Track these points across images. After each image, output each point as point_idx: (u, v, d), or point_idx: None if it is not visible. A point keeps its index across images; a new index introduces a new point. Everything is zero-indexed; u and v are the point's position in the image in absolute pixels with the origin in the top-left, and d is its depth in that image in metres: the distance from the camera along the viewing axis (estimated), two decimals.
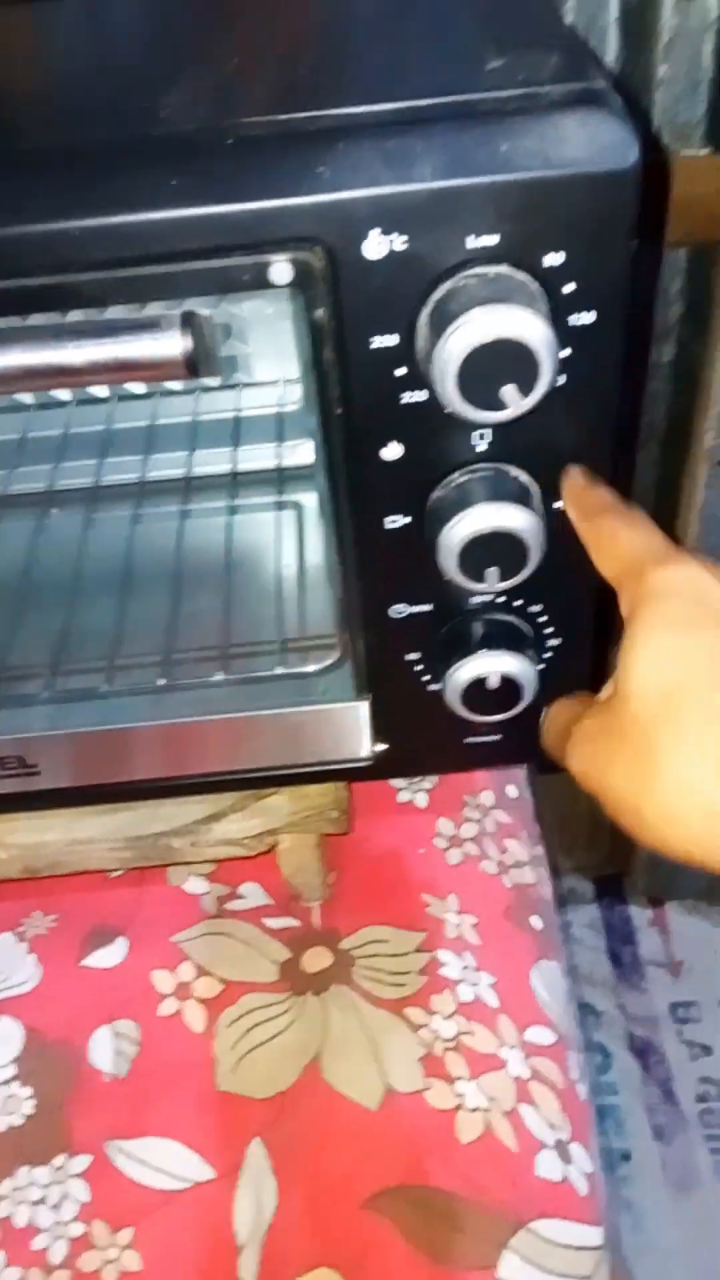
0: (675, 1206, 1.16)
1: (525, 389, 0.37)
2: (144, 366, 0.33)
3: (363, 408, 0.41)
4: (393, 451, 0.42)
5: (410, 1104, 0.52)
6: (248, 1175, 0.51)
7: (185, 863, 0.61)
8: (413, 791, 0.68)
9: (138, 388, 0.68)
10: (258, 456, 0.70)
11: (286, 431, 0.71)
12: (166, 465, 0.70)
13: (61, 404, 0.70)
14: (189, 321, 0.32)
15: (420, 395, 0.40)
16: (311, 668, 0.54)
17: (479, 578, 0.43)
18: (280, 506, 0.67)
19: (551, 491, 0.44)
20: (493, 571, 0.43)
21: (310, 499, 0.68)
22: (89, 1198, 0.51)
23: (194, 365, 0.33)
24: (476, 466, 0.43)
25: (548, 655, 0.50)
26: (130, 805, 0.59)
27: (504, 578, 0.43)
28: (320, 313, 0.38)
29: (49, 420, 0.70)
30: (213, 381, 0.69)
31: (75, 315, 0.34)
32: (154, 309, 0.34)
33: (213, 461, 0.69)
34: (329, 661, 0.54)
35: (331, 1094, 0.53)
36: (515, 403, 0.37)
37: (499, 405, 0.37)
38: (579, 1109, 0.56)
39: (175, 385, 0.69)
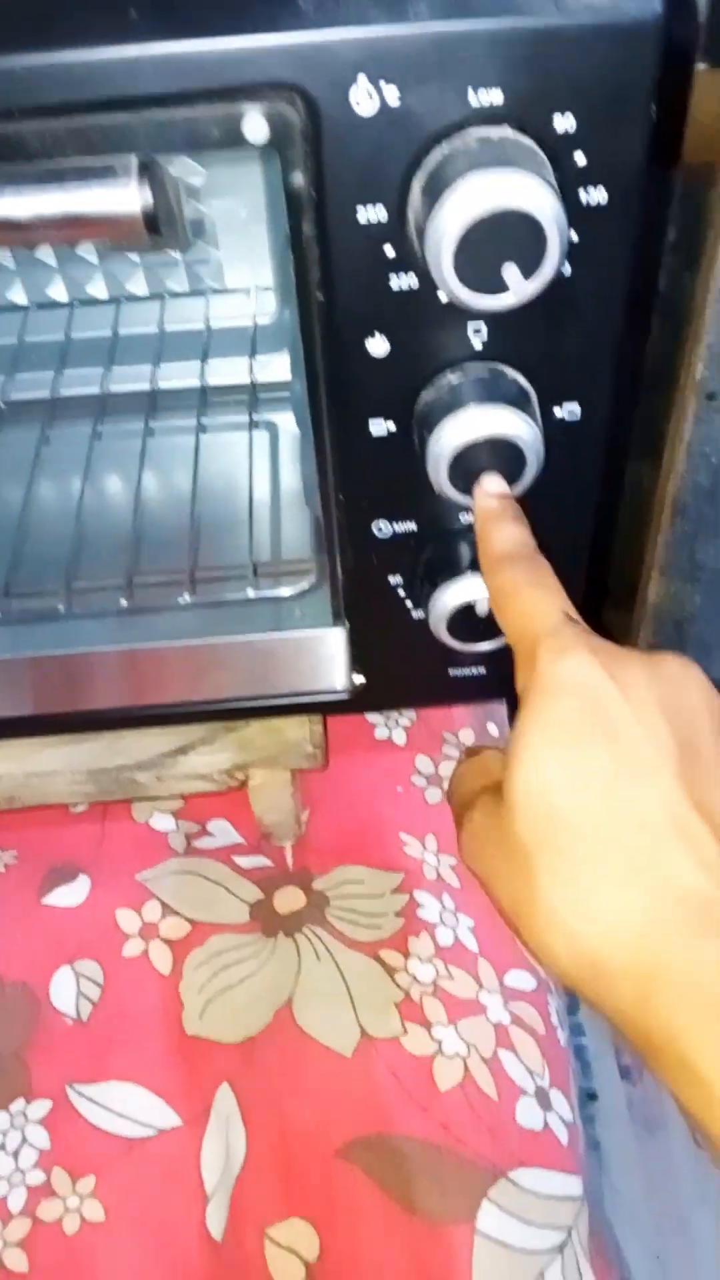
0: (641, 1146, 1.17)
1: (528, 270, 0.33)
2: (95, 223, 0.29)
3: (346, 293, 0.37)
4: (379, 346, 0.38)
5: (386, 1050, 0.50)
6: (215, 1122, 0.49)
7: (150, 798, 0.58)
8: (390, 727, 0.65)
9: (91, 260, 0.62)
10: (228, 371, 0.65)
11: (259, 346, 0.66)
12: (131, 379, 0.65)
13: (16, 308, 0.65)
14: (148, 171, 0.28)
15: (410, 280, 0.36)
16: (285, 592, 0.51)
17: (470, 491, 0.40)
18: (253, 426, 0.63)
19: (552, 398, 0.40)
20: (490, 477, 0.39)
21: (285, 419, 0.64)
22: (48, 1144, 0.49)
23: (154, 223, 0.29)
24: (471, 366, 0.39)
25: None
26: (92, 736, 0.56)
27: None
28: (299, 178, 0.34)
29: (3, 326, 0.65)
30: (179, 285, 0.65)
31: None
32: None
33: (180, 376, 0.65)
34: (304, 586, 0.50)
35: (304, 1038, 0.51)
36: (518, 286, 0.33)
37: (498, 288, 0.33)
38: (559, 1055, 0.54)
39: (137, 286, 0.64)
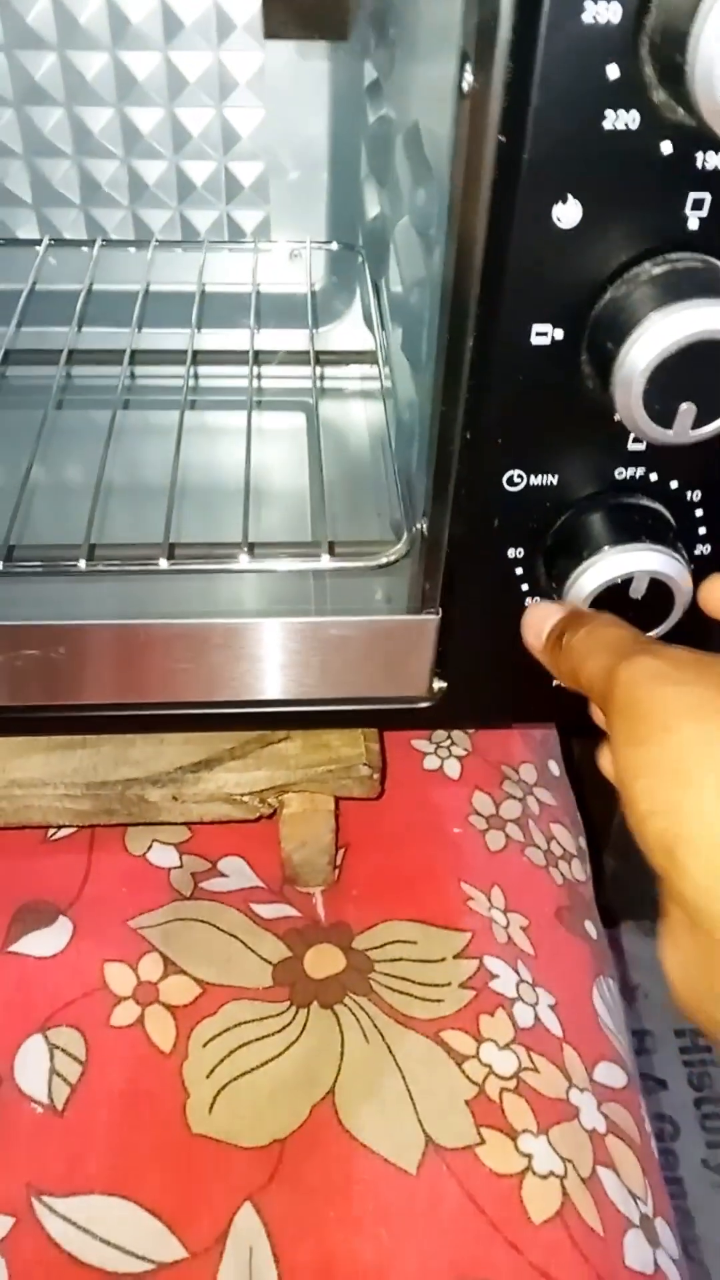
0: None
1: None
2: None
3: (542, 130, 0.27)
4: (569, 212, 0.29)
5: (460, 1165, 0.39)
6: (233, 1257, 0.36)
7: (161, 823, 0.46)
8: (441, 757, 0.54)
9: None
10: (282, 340, 0.56)
11: (319, 314, 0.58)
12: (171, 340, 0.55)
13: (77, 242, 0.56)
14: None
15: (631, 118, 0.27)
16: (364, 563, 0.40)
17: (666, 419, 0.30)
18: (319, 396, 0.53)
19: None
20: (687, 411, 0.30)
21: (328, 406, 0.55)
22: (5, 1276, 0.36)
23: None
24: (679, 256, 0.29)
25: (692, 568, 0.37)
26: (93, 741, 0.44)
27: (700, 422, 0.30)
28: None
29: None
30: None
31: None
32: None
33: (227, 340, 0.56)
34: (390, 557, 0.40)
35: (351, 1145, 0.39)
36: None
37: None
38: (656, 1172, 0.43)
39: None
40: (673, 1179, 1.11)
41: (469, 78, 0.27)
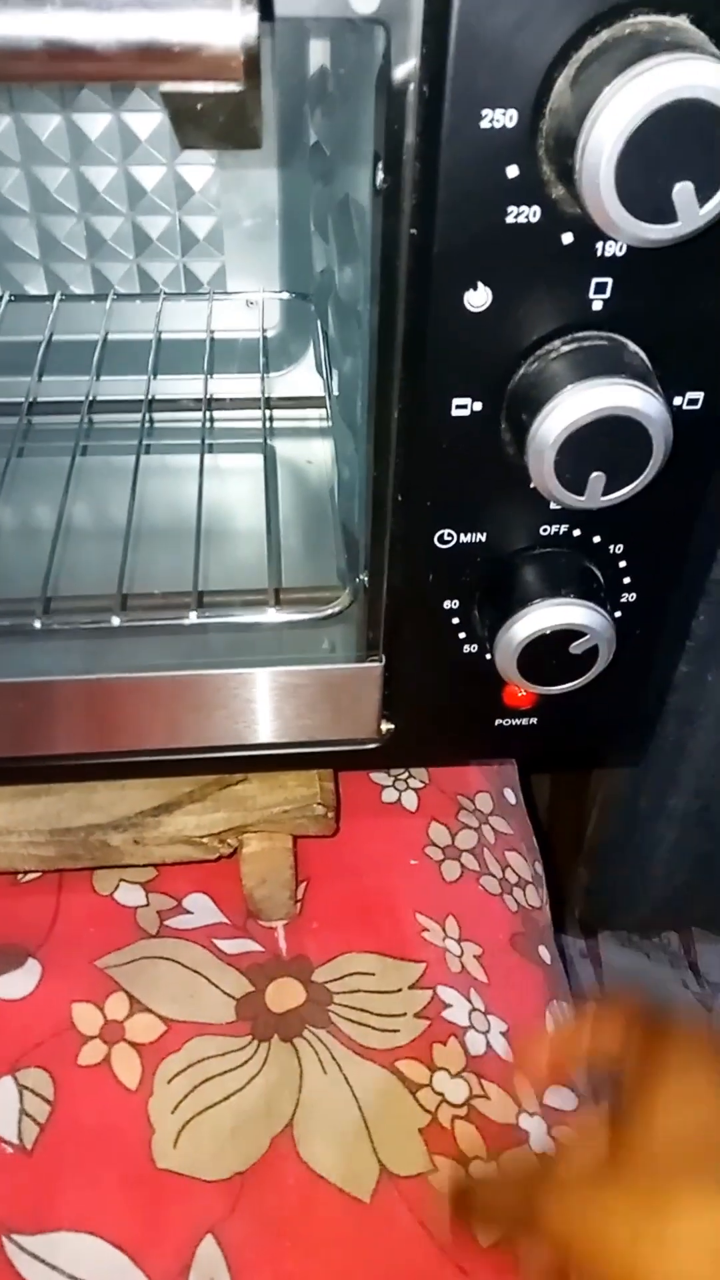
0: None
1: (706, 194, 0.26)
2: (185, 56, 0.20)
3: (450, 226, 0.29)
4: (479, 298, 0.30)
5: (412, 1192, 0.40)
6: None
7: (123, 865, 0.48)
8: (399, 790, 0.56)
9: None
10: (235, 387, 0.58)
11: (271, 360, 0.59)
12: (129, 389, 0.57)
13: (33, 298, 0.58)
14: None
15: (531, 212, 0.29)
16: (309, 615, 0.42)
17: (578, 487, 0.32)
18: (269, 437, 0.55)
19: (675, 383, 0.33)
20: (597, 479, 0.32)
21: (284, 445, 0.57)
22: None
23: (254, 65, 0.21)
24: (585, 335, 0.31)
25: (618, 615, 0.39)
26: (57, 788, 0.46)
27: (610, 489, 0.32)
28: (408, 69, 0.26)
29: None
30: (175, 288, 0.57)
31: None
32: None
33: (183, 388, 0.57)
34: (334, 610, 0.42)
35: (309, 1177, 0.41)
36: (688, 211, 0.26)
37: (665, 216, 0.26)
38: None
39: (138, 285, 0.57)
40: None
41: (380, 175, 0.29)
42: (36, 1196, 0.40)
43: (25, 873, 0.50)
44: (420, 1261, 0.38)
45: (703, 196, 0.26)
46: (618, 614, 0.39)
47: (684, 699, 0.50)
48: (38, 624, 0.39)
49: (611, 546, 0.37)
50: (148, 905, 0.50)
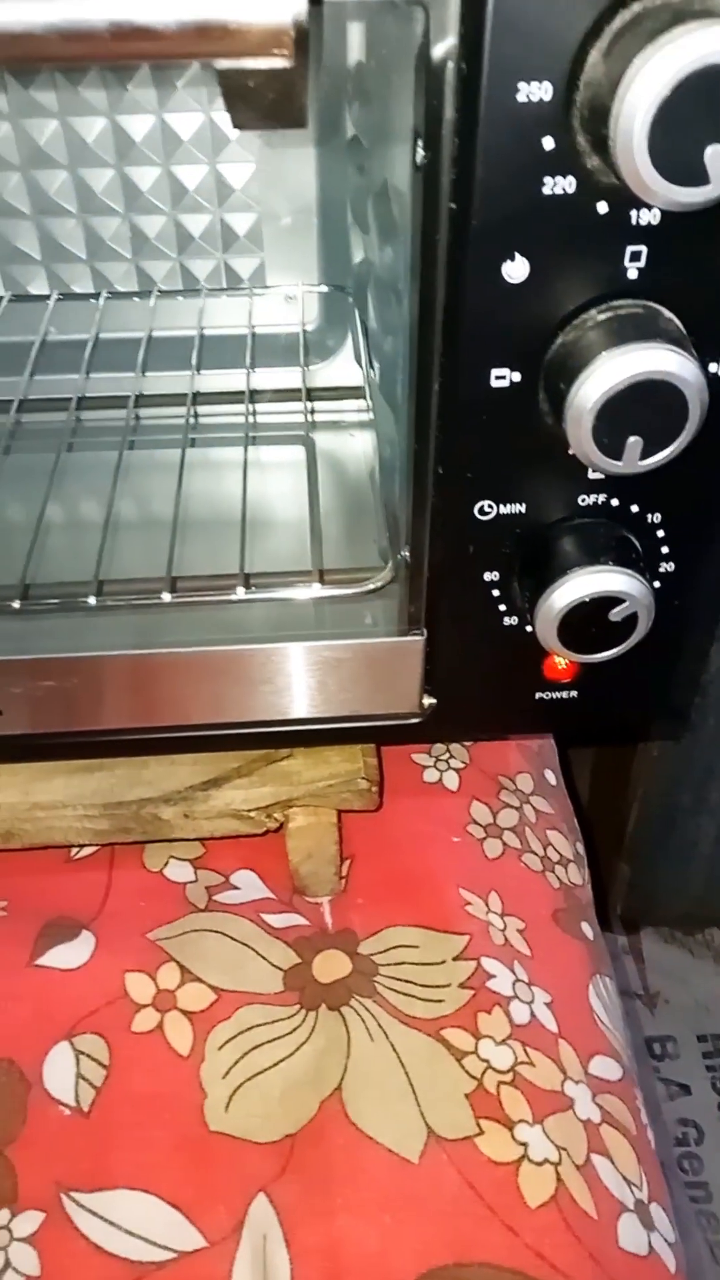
0: None
1: None
2: (235, 34, 0.22)
3: (487, 198, 0.30)
4: (517, 269, 0.31)
5: (460, 1154, 0.41)
6: (249, 1244, 0.39)
7: (173, 839, 0.49)
8: (440, 770, 0.57)
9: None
10: (276, 379, 0.60)
11: (311, 352, 0.61)
12: (173, 384, 0.59)
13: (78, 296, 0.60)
14: None
15: (567, 183, 0.30)
16: (352, 590, 0.43)
17: (616, 452, 0.33)
18: (310, 430, 0.56)
19: (711, 350, 0.34)
20: (635, 444, 0.33)
21: (323, 437, 0.58)
22: (38, 1270, 0.39)
23: (303, 40, 0.22)
24: (621, 303, 0.32)
25: (656, 584, 0.40)
26: (109, 763, 0.47)
27: (647, 453, 0.33)
28: (447, 47, 0.27)
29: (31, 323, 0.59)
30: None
31: None
32: None
33: (225, 382, 0.59)
34: (376, 584, 0.43)
35: (359, 1138, 0.41)
36: None
37: (700, 177, 0.27)
38: (652, 1160, 0.45)
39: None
40: (697, 1183, 1.11)
41: (420, 152, 0.30)
42: (94, 1157, 0.41)
43: (79, 849, 0.51)
44: (468, 1220, 0.39)
45: None
46: (656, 584, 0.40)
47: None
48: (92, 600, 0.41)
49: (649, 516, 0.38)
50: (196, 881, 0.51)
